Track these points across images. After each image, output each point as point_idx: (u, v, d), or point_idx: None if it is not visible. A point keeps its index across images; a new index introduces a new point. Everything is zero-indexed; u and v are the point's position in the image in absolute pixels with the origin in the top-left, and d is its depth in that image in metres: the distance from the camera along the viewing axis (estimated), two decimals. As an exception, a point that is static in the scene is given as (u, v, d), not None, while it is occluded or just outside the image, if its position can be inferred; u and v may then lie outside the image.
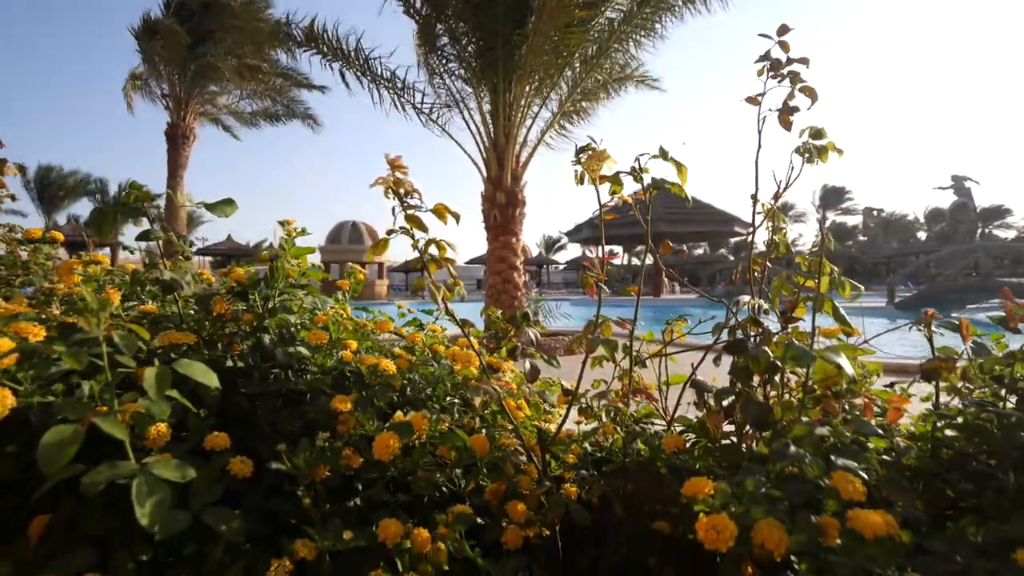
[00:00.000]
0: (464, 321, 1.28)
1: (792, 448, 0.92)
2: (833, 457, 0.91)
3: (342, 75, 9.34)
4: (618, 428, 1.33)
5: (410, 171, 1.13)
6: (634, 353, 1.61)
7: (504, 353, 1.60)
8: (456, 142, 9.65)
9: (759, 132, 1.35)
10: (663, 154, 1.30)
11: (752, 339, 1.20)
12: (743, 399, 1.11)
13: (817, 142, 1.37)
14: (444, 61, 9.31)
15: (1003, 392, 1.15)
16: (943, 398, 1.22)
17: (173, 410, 0.96)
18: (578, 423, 1.43)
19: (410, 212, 1.10)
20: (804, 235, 56.88)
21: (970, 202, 21.06)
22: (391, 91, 9.53)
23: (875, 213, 45.50)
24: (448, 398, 1.50)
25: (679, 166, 1.32)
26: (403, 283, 47.74)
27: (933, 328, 1.14)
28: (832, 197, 53.52)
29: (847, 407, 1.24)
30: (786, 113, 1.28)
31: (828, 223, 53.29)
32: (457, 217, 1.15)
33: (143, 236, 1.31)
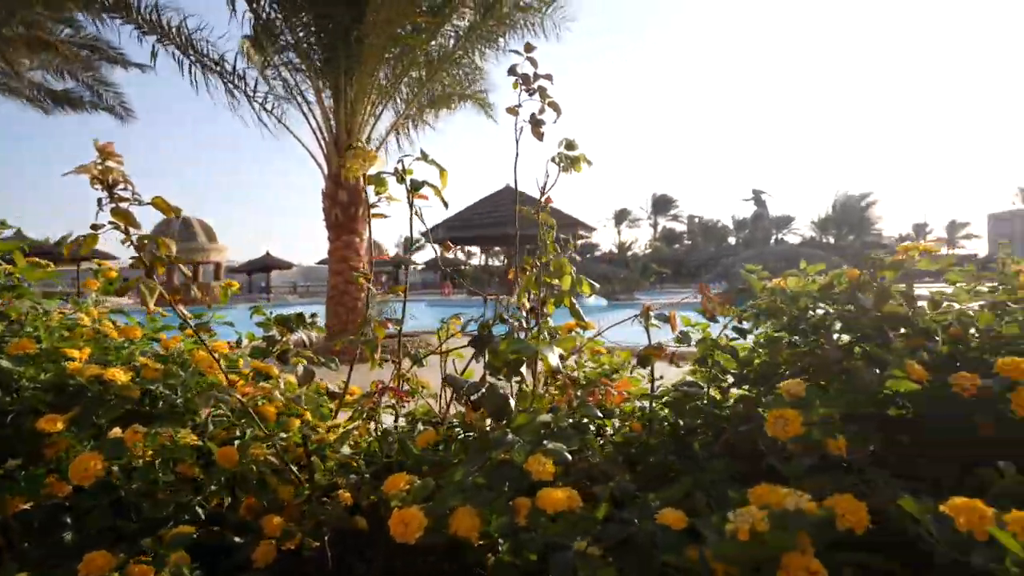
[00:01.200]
0: (200, 326, 1.19)
1: (510, 436, 1.00)
2: (545, 442, 1.00)
3: (153, 53, 8.33)
4: (374, 430, 1.33)
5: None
6: (414, 352, 1.63)
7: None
8: (295, 136, 9.10)
9: (516, 141, 1.44)
10: (424, 157, 1.33)
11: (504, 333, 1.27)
12: (487, 392, 1.17)
13: (570, 153, 1.50)
14: (281, 51, 8.73)
15: (706, 371, 1.36)
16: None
17: None
18: (346, 425, 1.41)
19: (121, 206, 1.00)
20: (639, 238, 62.50)
21: (765, 212, 24.68)
22: (221, 77, 8.71)
23: (696, 220, 51.55)
24: (215, 408, 1.39)
25: (441, 169, 1.36)
26: (246, 285, 43.91)
27: (652, 320, 1.30)
28: (662, 205, 59.59)
29: (590, 392, 1.38)
30: (536, 124, 1.38)
31: (660, 228, 59.26)
32: (178, 213, 1.06)
33: None
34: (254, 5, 8.25)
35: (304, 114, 8.84)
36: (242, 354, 1.59)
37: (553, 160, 1.51)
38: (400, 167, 1.36)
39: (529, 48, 1.36)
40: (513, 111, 1.45)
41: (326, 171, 8.85)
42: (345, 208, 8.70)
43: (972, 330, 1.22)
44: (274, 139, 9.30)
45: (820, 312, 1.40)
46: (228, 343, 1.76)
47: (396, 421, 1.56)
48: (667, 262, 43.72)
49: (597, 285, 1.39)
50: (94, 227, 0.99)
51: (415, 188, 1.33)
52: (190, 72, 8.48)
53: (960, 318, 1.24)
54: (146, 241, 1.04)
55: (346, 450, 1.32)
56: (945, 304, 1.37)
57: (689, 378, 1.43)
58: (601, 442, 1.35)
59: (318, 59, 8.30)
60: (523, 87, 1.39)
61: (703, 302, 1.34)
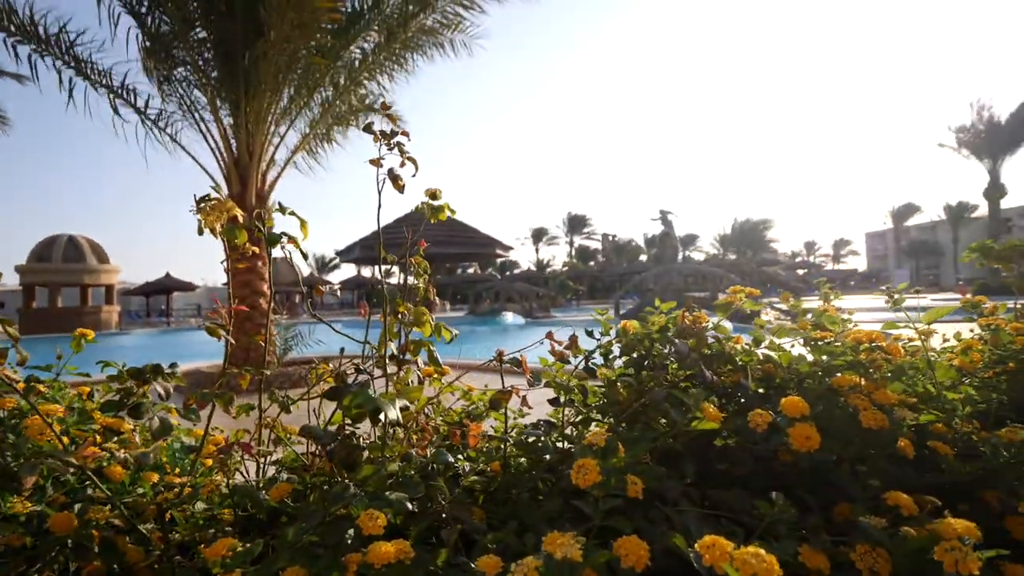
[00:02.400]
0: (28, 388, 1.14)
1: (351, 489, 1.03)
2: (388, 492, 1.04)
3: (30, 62, 7.67)
4: (226, 484, 1.32)
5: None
6: (283, 397, 1.62)
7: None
8: (191, 155, 8.65)
9: (379, 192, 1.50)
10: (282, 209, 1.35)
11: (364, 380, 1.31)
12: (339, 443, 1.20)
13: (435, 202, 1.58)
14: (174, 66, 8.30)
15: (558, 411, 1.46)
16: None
17: None
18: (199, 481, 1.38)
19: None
20: (556, 256, 64.23)
21: (672, 231, 26.13)
22: (109, 92, 8.13)
23: (610, 238, 53.74)
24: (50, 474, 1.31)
25: (301, 221, 1.39)
26: (143, 308, 40.60)
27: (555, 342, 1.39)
28: (576, 224, 61.71)
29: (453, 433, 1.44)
30: (395, 178, 1.44)
31: (575, 246, 61.17)
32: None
33: None
34: (141, 20, 7.82)
35: (202, 133, 8.45)
36: (95, 405, 1.52)
37: (417, 209, 1.57)
38: (258, 224, 1.37)
39: (385, 107, 1.43)
40: (376, 163, 1.50)
41: (226, 192, 8.47)
42: (248, 230, 8.35)
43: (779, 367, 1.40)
44: (173, 156, 8.73)
45: (665, 351, 1.55)
46: (78, 393, 1.67)
47: (262, 470, 1.54)
48: (583, 279, 45.12)
49: (456, 332, 1.46)
50: None
51: (272, 241, 1.35)
52: (71, 83, 7.87)
53: (768, 356, 1.43)
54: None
55: (201, 505, 1.29)
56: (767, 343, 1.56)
57: (549, 417, 1.53)
58: (463, 484, 1.41)
59: (215, 77, 7.97)
60: (383, 142, 1.45)
61: (552, 348, 1.45)
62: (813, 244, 74.28)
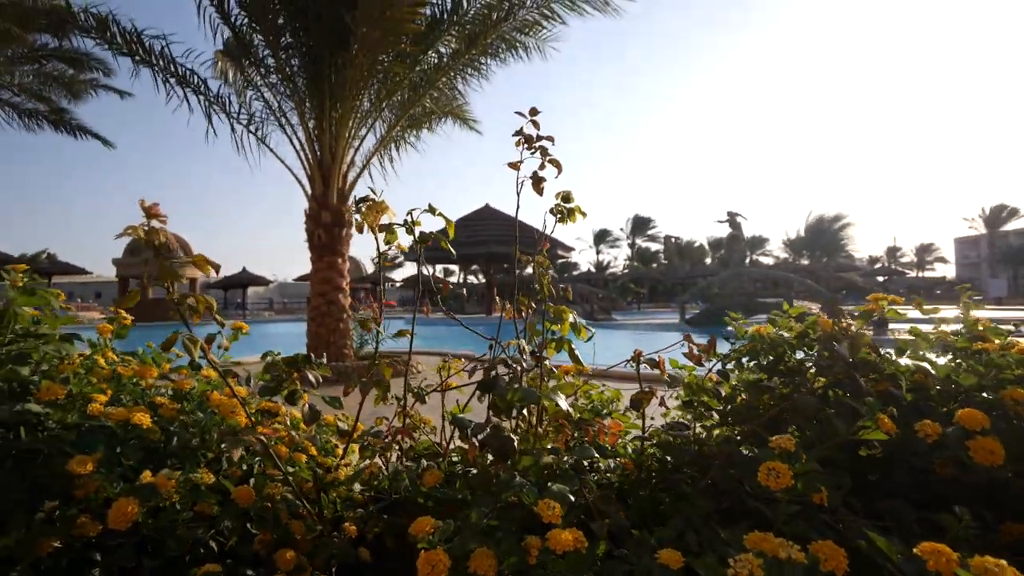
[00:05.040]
0: (227, 371, 1.26)
1: (517, 478, 1.08)
2: (550, 484, 1.09)
3: (134, 64, 8.29)
4: (383, 466, 1.40)
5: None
6: (417, 388, 1.71)
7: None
8: (278, 157, 9.14)
9: (518, 194, 1.55)
10: (432, 210, 1.43)
11: (507, 376, 1.36)
12: (491, 432, 1.26)
13: (567, 205, 1.61)
14: (264, 73, 8.80)
15: (692, 412, 1.46)
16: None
17: None
18: (357, 464, 1.48)
19: (167, 264, 1.07)
20: (618, 258, 63.35)
21: (740, 234, 25.27)
22: (203, 98, 8.73)
23: (673, 240, 52.51)
24: (224, 446, 1.44)
25: (448, 221, 1.46)
26: (222, 301, 43.16)
27: (645, 358, 1.40)
28: (640, 226, 60.62)
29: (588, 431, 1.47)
30: (537, 181, 1.49)
31: (636, 248, 60.12)
32: (217, 268, 1.14)
33: None
34: (233, 27, 8.34)
35: (288, 136, 8.90)
36: (252, 394, 1.65)
37: (551, 211, 1.62)
38: (408, 219, 1.45)
39: (534, 112, 1.48)
40: (515, 166, 1.55)
41: (310, 192, 8.89)
42: (328, 229, 8.73)
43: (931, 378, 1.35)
44: (249, 154, 9.27)
45: (799, 356, 1.52)
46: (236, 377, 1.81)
47: (400, 456, 1.62)
48: (644, 282, 44.31)
49: (593, 332, 1.49)
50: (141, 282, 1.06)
51: (423, 240, 1.42)
52: (166, 91, 8.47)
53: (920, 366, 1.37)
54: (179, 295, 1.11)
55: (357, 487, 1.39)
56: (909, 352, 1.50)
57: (677, 416, 1.53)
58: (596, 478, 1.43)
59: (302, 83, 8.39)
60: (525, 146, 1.50)
61: (689, 350, 1.45)
62: (896, 249, 69.77)
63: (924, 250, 70.78)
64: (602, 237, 62.47)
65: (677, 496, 1.27)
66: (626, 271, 55.08)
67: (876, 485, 1.24)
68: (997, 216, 61.98)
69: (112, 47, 8.10)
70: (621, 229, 62.34)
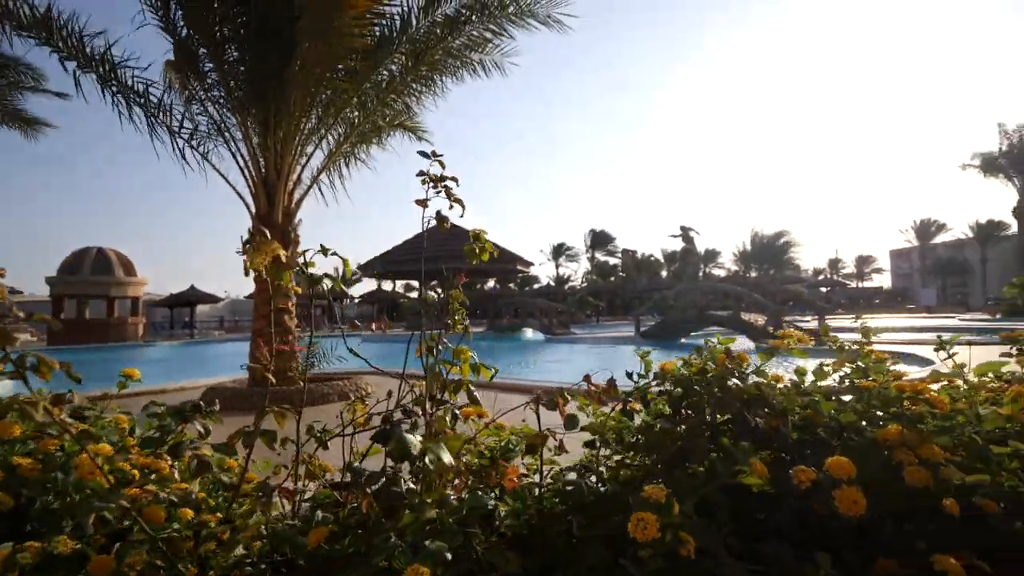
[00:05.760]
0: (83, 434, 1.17)
1: (392, 540, 1.04)
2: (428, 541, 1.05)
3: (76, 80, 7.93)
4: (265, 527, 1.33)
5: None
6: (319, 432, 1.64)
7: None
8: (220, 173, 8.87)
9: (424, 233, 1.53)
10: (324, 251, 1.39)
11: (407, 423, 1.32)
12: (383, 488, 1.21)
13: (478, 244, 1.60)
14: (208, 88, 8.55)
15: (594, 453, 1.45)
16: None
17: None
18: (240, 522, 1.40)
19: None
20: (577, 271, 64.16)
21: (693, 248, 26.00)
22: (144, 110, 8.39)
23: (631, 254, 53.56)
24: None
25: (344, 260, 1.42)
26: (168, 319, 41.33)
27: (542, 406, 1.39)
28: (598, 240, 61.65)
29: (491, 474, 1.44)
30: (442, 221, 1.47)
31: (595, 261, 61.05)
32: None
33: None
34: (178, 39, 8.10)
35: (232, 152, 8.66)
36: (134, 443, 1.56)
37: (464, 250, 1.59)
38: (303, 260, 1.40)
39: (435, 154, 1.46)
40: (422, 203, 1.53)
41: (253, 210, 8.65)
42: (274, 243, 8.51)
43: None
44: (194, 170, 8.94)
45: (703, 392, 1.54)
46: (117, 424, 1.70)
47: (296, 507, 1.55)
48: (602, 295, 44.94)
49: (496, 369, 1.47)
50: None
51: (315, 282, 1.38)
52: (115, 103, 8.13)
53: (812, 402, 1.41)
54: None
55: (240, 550, 1.31)
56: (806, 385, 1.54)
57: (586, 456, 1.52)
58: (499, 525, 1.40)
59: (245, 98, 8.19)
60: (431, 185, 1.48)
61: (589, 390, 1.45)
62: (837, 262, 73.06)
63: (863, 262, 74.42)
64: (560, 251, 63.19)
65: (567, 542, 1.25)
66: (585, 284, 55.78)
67: (763, 523, 1.25)
68: (927, 230, 65.81)
69: (53, 47, 7.69)
70: (579, 243, 63.32)
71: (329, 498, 1.57)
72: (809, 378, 1.61)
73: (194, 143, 8.74)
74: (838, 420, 1.34)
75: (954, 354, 1.46)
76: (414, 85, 8.95)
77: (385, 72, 8.70)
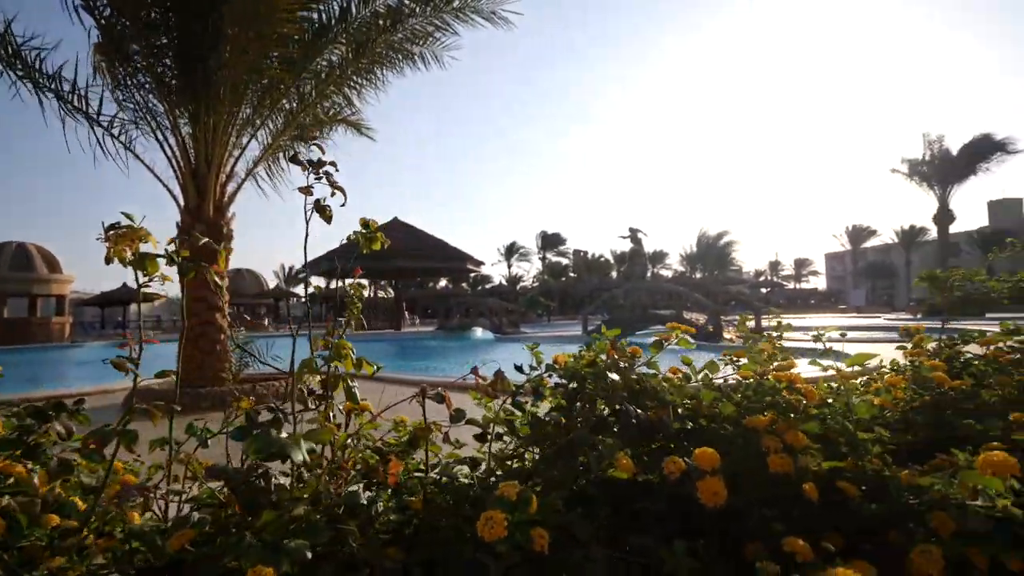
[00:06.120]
0: None
1: (246, 538, 0.99)
2: (288, 540, 1.00)
3: None
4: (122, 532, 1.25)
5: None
6: (201, 430, 1.56)
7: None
8: (145, 164, 8.40)
9: (307, 221, 1.47)
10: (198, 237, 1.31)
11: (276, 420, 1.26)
12: (244, 486, 1.15)
13: (367, 232, 1.55)
14: (134, 73, 8.07)
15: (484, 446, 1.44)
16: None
17: None
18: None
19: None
20: (529, 271, 64.50)
21: (641, 249, 26.57)
22: (57, 97, 7.83)
23: (581, 255, 54.30)
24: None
25: (220, 250, 1.35)
26: (98, 319, 38.93)
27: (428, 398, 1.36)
28: (550, 241, 62.19)
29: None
30: (323, 210, 1.41)
31: (547, 262, 61.58)
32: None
33: None
34: (102, 22, 7.62)
35: (159, 141, 8.22)
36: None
37: (350, 239, 1.54)
38: (168, 250, 1.32)
39: (314, 137, 1.40)
40: (306, 191, 1.47)
41: (182, 203, 8.25)
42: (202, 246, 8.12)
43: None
44: (129, 160, 8.45)
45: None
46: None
47: (178, 509, 1.47)
48: (554, 294, 45.37)
49: (380, 366, 1.43)
50: None
51: (184, 272, 1.30)
52: (16, 85, 7.54)
53: (695, 393, 1.43)
54: None
55: (100, 558, 1.22)
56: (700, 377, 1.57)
57: (476, 449, 1.50)
58: (384, 520, 1.36)
59: (174, 85, 7.79)
60: (311, 172, 1.43)
61: (477, 383, 1.43)
62: (777, 264, 76.39)
63: (801, 264, 78.11)
64: (513, 251, 63.38)
65: (457, 536, 1.23)
66: (537, 284, 56.13)
67: (641, 514, 1.27)
68: (859, 234, 69.67)
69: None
70: (532, 243, 63.69)
71: (212, 498, 1.49)
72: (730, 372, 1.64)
73: (115, 131, 8.24)
74: (719, 411, 1.37)
75: (830, 348, 1.52)
76: (355, 78, 8.74)
77: (324, 63, 8.46)
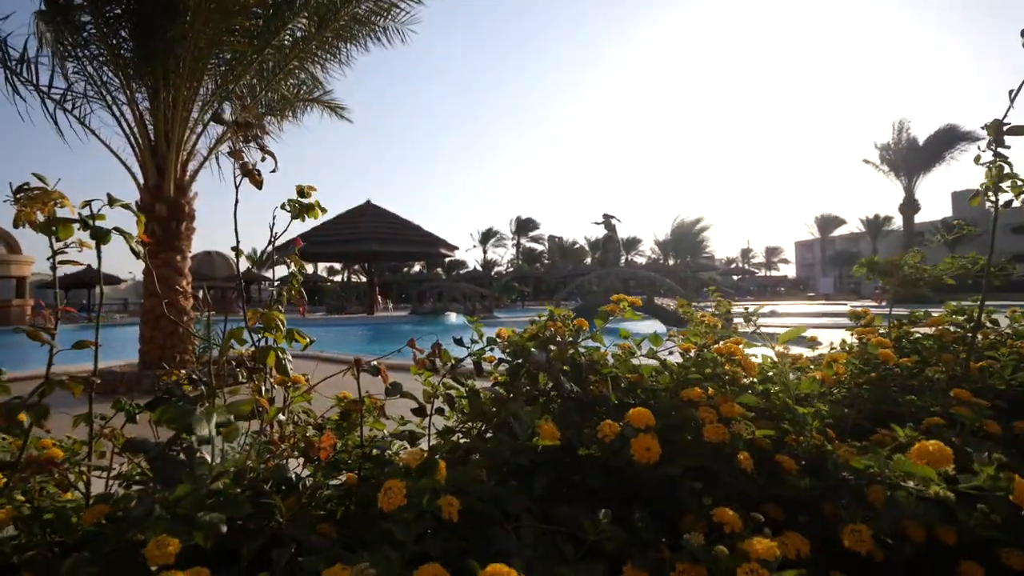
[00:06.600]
0: None
1: (156, 511, 0.94)
2: (203, 514, 0.95)
3: None
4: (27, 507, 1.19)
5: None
6: (129, 403, 1.49)
7: None
8: (101, 140, 8.06)
9: (236, 187, 1.40)
10: (111, 202, 1.23)
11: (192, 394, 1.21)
12: (160, 459, 1.10)
13: (305, 200, 1.49)
14: (84, 44, 7.70)
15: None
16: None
17: None
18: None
19: None
20: (504, 256, 64.39)
21: (615, 235, 26.66)
22: (3, 66, 7.43)
23: (556, 240, 54.37)
24: None
25: (138, 216, 1.27)
26: (63, 302, 37.56)
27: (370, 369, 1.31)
28: (524, 226, 62.09)
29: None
30: (251, 174, 1.35)
31: (522, 247, 61.54)
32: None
33: None
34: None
35: (115, 116, 7.89)
36: None
37: (283, 207, 1.48)
38: (86, 212, 1.24)
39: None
40: (237, 155, 1.40)
41: (142, 182, 7.96)
42: (164, 223, 7.86)
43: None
44: (73, 134, 8.10)
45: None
46: None
47: (107, 483, 1.41)
48: (528, 280, 45.43)
49: (312, 339, 1.38)
50: None
51: (97, 236, 1.22)
52: None
53: (635, 367, 1.42)
54: None
55: (11, 530, 1.16)
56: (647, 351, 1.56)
57: (414, 424, 1.47)
58: (319, 495, 1.32)
59: (131, 58, 7.47)
60: (241, 136, 1.35)
61: (414, 356, 1.39)
62: (748, 251, 77.66)
63: (772, 252, 79.59)
64: (488, 236, 63.12)
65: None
66: (511, 269, 56.07)
67: (578, 486, 1.25)
68: (828, 223, 71.19)
69: None
70: (507, 229, 63.50)
71: (142, 475, 1.43)
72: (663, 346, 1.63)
73: (67, 105, 7.89)
74: (658, 383, 1.35)
75: (760, 326, 1.53)
76: (319, 53, 8.49)
77: (288, 37, 8.19)
